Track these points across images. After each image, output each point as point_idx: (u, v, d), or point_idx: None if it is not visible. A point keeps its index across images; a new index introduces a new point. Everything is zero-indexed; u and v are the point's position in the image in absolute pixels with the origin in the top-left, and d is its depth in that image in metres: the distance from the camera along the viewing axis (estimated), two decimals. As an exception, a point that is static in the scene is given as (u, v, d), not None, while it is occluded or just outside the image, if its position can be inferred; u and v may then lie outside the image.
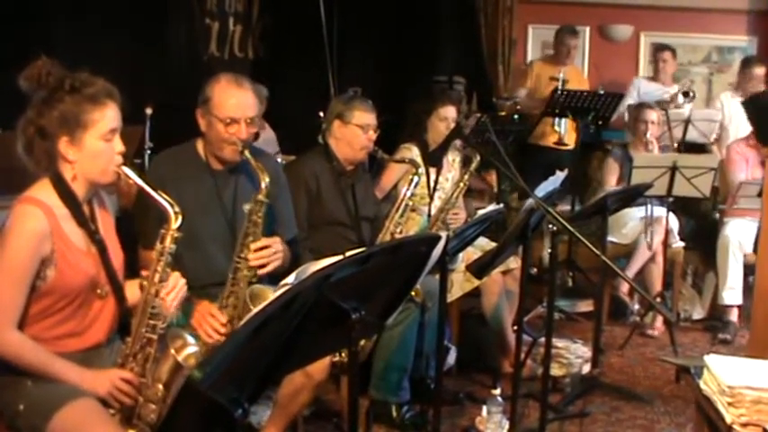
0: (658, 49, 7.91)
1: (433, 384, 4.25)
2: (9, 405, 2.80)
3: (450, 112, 5.25)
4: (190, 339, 2.87)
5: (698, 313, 6.50)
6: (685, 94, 7.22)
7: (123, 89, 2.89)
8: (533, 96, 7.56)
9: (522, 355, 4.42)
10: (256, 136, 4.10)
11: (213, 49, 7.96)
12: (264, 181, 3.42)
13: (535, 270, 6.55)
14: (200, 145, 3.69)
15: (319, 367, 3.53)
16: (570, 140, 7.18)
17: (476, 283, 4.79)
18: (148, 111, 5.69)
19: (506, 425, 4.12)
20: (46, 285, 2.79)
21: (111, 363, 2.91)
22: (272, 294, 3.08)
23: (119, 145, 2.85)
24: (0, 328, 2.73)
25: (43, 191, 2.82)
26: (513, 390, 4.10)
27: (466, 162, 5.23)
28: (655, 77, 7.77)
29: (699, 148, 7.23)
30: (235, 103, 3.52)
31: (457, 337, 5.14)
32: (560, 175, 4.37)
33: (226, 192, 3.66)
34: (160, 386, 2.82)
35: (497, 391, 4.18)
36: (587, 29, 9.02)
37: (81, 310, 2.89)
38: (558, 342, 5.21)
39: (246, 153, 3.48)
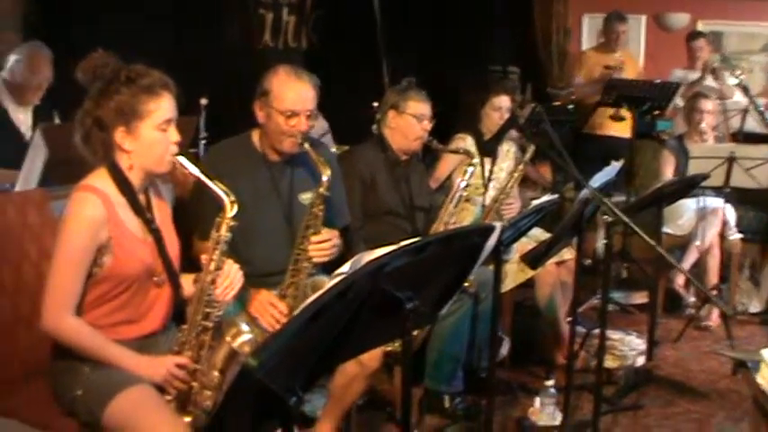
0: (692, 37, 7.77)
1: (485, 375, 4.25)
2: (67, 390, 2.85)
3: (504, 101, 5.22)
4: (244, 327, 2.89)
5: (755, 306, 6.39)
6: (713, 72, 7.10)
7: (178, 80, 2.91)
8: (590, 80, 7.44)
9: (576, 347, 4.40)
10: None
11: (267, 40, 8.00)
12: (326, 174, 3.44)
13: (589, 261, 6.48)
14: (255, 136, 3.71)
15: (372, 356, 3.55)
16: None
17: (530, 273, 4.76)
18: (203, 101, 5.73)
19: (559, 416, 4.11)
20: (103, 272, 2.83)
21: (167, 350, 2.94)
22: (330, 283, 3.12)
23: (174, 135, 2.87)
24: (58, 314, 2.78)
25: (100, 179, 2.86)
26: (566, 381, 4.08)
27: (520, 152, 5.20)
28: (691, 66, 7.64)
29: (759, 138, 7.10)
30: (294, 95, 3.53)
31: (510, 327, 5.11)
32: (615, 166, 4.34)
33: (282, 183, 3.68)
34: (216, 373, 2.85)
35: (550, 383, 4.17)
36: (643, 17, 8.92)
37: (137, 298, 2.92)
38: (612, 334, 5.18)
39: (306, 145, 3.50)
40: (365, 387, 3.76)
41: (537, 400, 4.22)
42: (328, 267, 3.56)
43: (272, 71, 3.60)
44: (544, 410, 4.17)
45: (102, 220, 2.80)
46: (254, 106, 3.63)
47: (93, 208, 2.78)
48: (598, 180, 3.96)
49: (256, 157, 3.69)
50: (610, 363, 4.91)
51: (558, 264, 4.98)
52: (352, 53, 7.78)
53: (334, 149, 4.61)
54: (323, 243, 3.51)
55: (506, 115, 5.15)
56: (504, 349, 4.89)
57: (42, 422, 2.55)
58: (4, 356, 3.13)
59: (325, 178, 3.45)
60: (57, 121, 5.33)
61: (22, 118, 5.27)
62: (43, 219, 3.35)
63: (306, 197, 3.62)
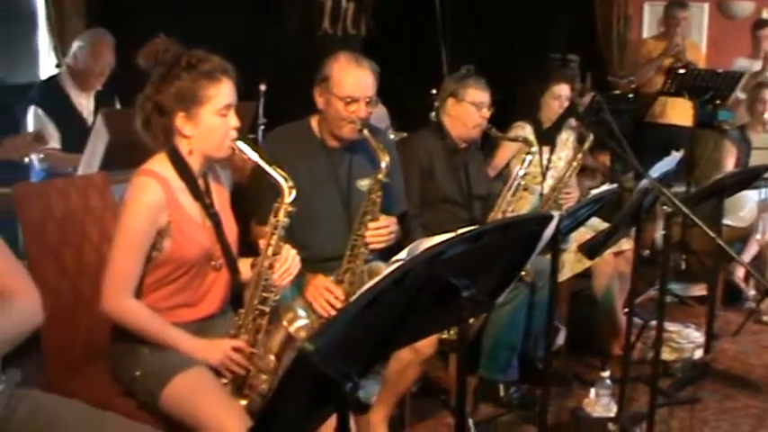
0: (757, 25, 7.61)
1: (541, 364, 4.23)
2: (126, 371, 2.89)
3: (563, 90, 5.18)
4: (301, 312, 2.91)
5: (817, 301, 6.29)
6: None
7: (238, 66, 2.93)
8: (651, 66, 7.31)
9: (633, 338, 4.36)
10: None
11: (326, 26, 8.02)
12: (385, 161, 3.45)
13: (648, 252, 6.42)
14: (314, 122, 3.73)
15: (427, 343, 3.55)
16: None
17: (587, 263, 4.73)
18: (262, 87, 5.76)
19: (614, 408, 4.07)
20: (162, 256, 2.86)
21: (224, 334, 2.97)
22: (387, 270, 3.12)
23: (233, 120, 2.89)
24: (118, 296, 2.82)
25: (160, 164, 2.89)
26: (622, 373, 4.05)
27: (579, 141, 5.16)
28: (755, 55, 7.50)
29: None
30: (354, 82, 3.55)
31: (566, 317, 5.08)
32: (676, 156, 4.28)
33: (340, 169, 3.70)
34: (272, 357, 2.87)
35: (606, 374, 4.13)
36: (706, 5, 8.78)
37: (195, 282, 2.95)
38: (669, 326, 5.13)
39: (365, 132, 3.50)
40: (420, 374, 3.78)
41: (592, 391, 4.18)
42: (385, 254, 3.58)
43: (333, 57, 3.62)
44: (599, 401, 4.13)
45: (162, 205, 2.83)
46: (313, 92, 3.64)
47: (153, 192, 2.82)
48: (658, 170, 3.91)
49: (315, 143, 3.71)
50: (667, 355, 4.86)
51: (617, 254, 4.93)
52: (411, 40, 7.76)
53: (392, 136, 4.61)
54: (380, 229, 3.52)
55: (566, 104, 5.11)
56: (561, 339, 4.87)
57: (103, 402, 2.58)
58: (66, 338, 3.19)
59: (383, 165, 3.46)
60: (118, 106, 5.41)
61: (85, 103, 5.35)
62: (104, 202, 3.40)
63: (364, 183, 3.62)
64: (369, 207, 3.50)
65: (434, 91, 4.84)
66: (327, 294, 3.43)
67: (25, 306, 2.32)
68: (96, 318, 2.99)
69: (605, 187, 4.03)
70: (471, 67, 4.52)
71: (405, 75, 6.77)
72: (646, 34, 8.67)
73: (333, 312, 3.38)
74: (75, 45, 5.34)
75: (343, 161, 3.71)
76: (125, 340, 2.90)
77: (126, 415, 2.50)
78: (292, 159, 3.50)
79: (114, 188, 3.44)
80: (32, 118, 5.10)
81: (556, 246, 3.52)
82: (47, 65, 6.37)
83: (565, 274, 4.70)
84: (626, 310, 4.60)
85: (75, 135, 5.06)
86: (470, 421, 3.94)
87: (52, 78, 5.49)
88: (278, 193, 2.89)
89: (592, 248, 3.93)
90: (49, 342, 3.10)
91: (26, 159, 4.59)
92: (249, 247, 3.15)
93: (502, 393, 4.36)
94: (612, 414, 4.07)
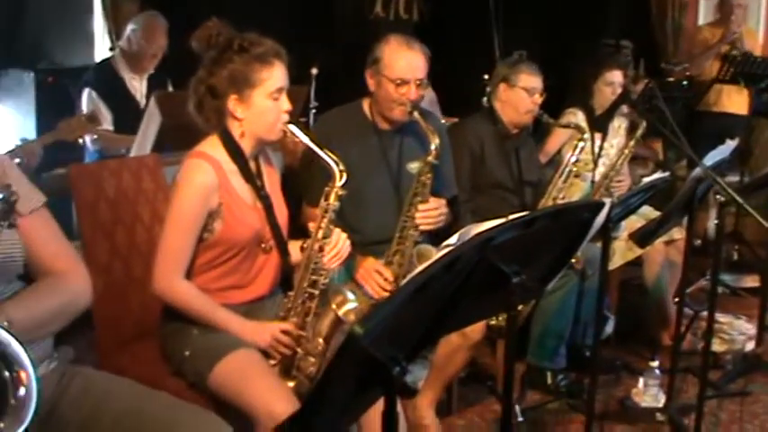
0: None
1: (589, 353, 4.21)
2: (176, 351, 2.92)
3: (616, 76, 5.13)
4: (350, 296, 2.91)
5: None
6: None
7: (290, 49, 2.94)
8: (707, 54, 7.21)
9: (683, 329, 4.32)
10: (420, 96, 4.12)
11: (379, 10, 8.01)
12: (435, 143, 3.47)
13: (699, 241, 6.35)
14: (366, 105, 3.74)
15: (475, 328, 3.56)
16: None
17: (638, 252, 4.69)
18: (314, 71, 5.77)
19: (663, 398, 4.05)
20: (213, 237, 2.88)
21: (273, 316, 2.99)
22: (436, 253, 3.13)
23: (285, 103, 2.90)
24: (169, 277, 2.85)
25: (212, 146, 2.91)
26: (671, 363, 4.02)
27: (632, 128, 5.11)
28: None
29: None
30: (405, 64, 3.56)
31: (616, 306, 5.05)
32: (730, 144, 4.22)
33: (391, 151, 3.71)
34: (320, 340, 2.88)
35: (655, 364, 4.11)
36: (765, -9, 8.62)
37: (245, 263, 2.97)
38: (720, 317, 5.07)
39: (416, 114, 3.51)
40: (467, 359, 3.78)
41: (641, 381, 4.16)
42: (434, 237, 3.58)
43: (384, 40, 3.64)
44: (648, 391, 4.11)
45: (213, 187, 2.85)
46: (365, 74, 3.65)
47: (205, 174, 2.84)
48: (711, 158, 3.86)
49: (366, 126, 3.72)
50: (717, 346, 4.80)
51: (668, 243, 4.89)
52: (464, 25, 7.73)
53: (443, 121, 4.60)
54: (430, 211, 3.53)
55: (618, 90, 5.07)
56: (610, 327, 4.84)
57: (153, 380, 2.61)
58: (118, 316, 3.23)
59: (433, 147, 3.48)
60: (170, 88, 5.45)
61: (138, 86, 5.40)
62: (156, 184, 3.43)
63: (414, 166, 3.63)
64: (419, 189, 3.52)
65: (486, 76, 4.81)
66: (378, 276, 3.45)
67: (77, 287, 2.36)
68: (147, 297, 3.02)
69: (657, 175, 3.99)
70: (524, 53, 4.51)
71: (457, 60, 6.76)
72: (701, 21, 8.55)
73: (383, 294, 3.40)
74: (129, 28, 5.39)
75: (393, 143, 3.73)
76: (175, 320, 2.93)
77: (175, 394, 2.53)
78: (343, 142, 3.53)
79: (166, 170, 3.48)
80: (86, 100, 5.17)
81: (607, 234, 3.50)
82: (101, 48, 6.44)
83: (615, 263, 4.67)
84: (676, 299, 4.55)
85: (127, 117, 5.12)
86: (517, 408, 3.93)
87: (106, 61, 5.55)
88: (329, 176, 2.90)
89: (643, 237, 3.90)
90: (101, 320, 3.15)
91: (80, 141, 4.64)
92: (300, 230, 3.16)
93: (549, 381, 4.34)
94: (661, 404, 4.05)
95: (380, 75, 3.59)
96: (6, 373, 1.86)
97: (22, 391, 1.86)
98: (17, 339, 1.87)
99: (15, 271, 2.28)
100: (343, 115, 3.80)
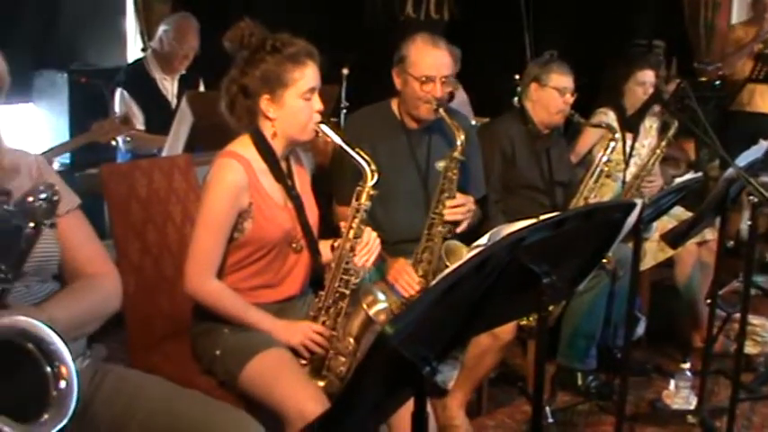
0: None
1: (620, 354, 4.19)
2: (207, 350, 2.94)
3: (648, 76, 5.10)
4: (380, 296, 2.91)
5: None
6: None
7: (321, 49, 2.94)
8: (741, 53, 7.14)
9: (715, 330, 4.28)
10: (450, 96, 4.13)
11: (409, 11, 8.02)
12: (460, 138, 3.49)
13: (732, 243, 6.31)
14: (394, 104, 3.76)
15: (506, 328, 3.56)
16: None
17: (669, 253, 4.66)
18: (345, 71, 5.78)
19: (694, 401, 4.03)
20: (243, 237, 2.89)
21: (304, 315, 3.00)
22: (466, 251, 3.13)
23: (317, 103, 2.91)
24: (200, 276, 2.86)
25: (243, 146, 2.92)
26: (703, 365, 4.00)
27: (663, 128, 5.08)
28: None
29: None
30: (430, 61, 3.58)
31: (647, 307, 5.01)
32: (763, 144, 4.18)
33: (419, 150, 3.72)
34: (351, 339, 2.89)
35: (687, 366, 4.09)
36: (799, -11, 8.52)
37: (276, 263, 2.98)
38: (753, 319, 5.01)
39: (441, 111, 3.52)
40: (498, 359, 3.78)
41: (672, 383, 4.14)
42: (463, 238, 3.58)
43: (410, 38, 3.68)
44: (679, 393, 4.09)
45: (244, 186, 2.86)
46: (392, 73, 3.67)
47: (235, 174, 2.85)
48: (744, 159, 3.83)
49: (395, 125, 3.74)
50: (750, 349, 4.76)
51: (700, 244, 4.86)
52: (495, 25, 7.71)
53: (473, 122, 4.60)
54: (458, 207, 3.53)
55: (650, 90, 5.04)
56: (641, 329, 4.82)
57: (183, 379, 2.62)
58: (149, 315, 3.25)
59: (459, 142, 3.49)
60: (202, 89, 5.48)
61: (169, 86, 5.44)
62: (188, 183, 3.45)
63: (442, 165, 3.64)
64: (445, 185, 3.54)
65: (517, 76, 4.80)
66: (408, 277, 3.45)
67: (110, 289, 2.40)
68: (178, 296, 3.04)
69: (689, 176, 3.97)
70: (555, 52, 4.47)
71: (488, 60, 6.74)
72: (735, 20, 8.47)
73: (412, 293, 3.42)
74: (161, 29, 5.43)
75: (422, 142, 3.74)
76: (206, 320, 2.94)
77: (206, 393, 2.53)
78: (372, 140, 3.56)
79: (198, 170, 3.50)
80: (119, 100, 5.21)
81: (638, 234, 3.48)
82: (133, 49, 6.48)
83: (647, 263, 4.65)
84: (708, 301, 4.52)
85: (159, 117, 5.15)
86: (547, 409, 3.92)
87: (138, 62, 5.59)
88: (359, 176, 2.91)
89: (675, 238, 3.88)
90: (133, 319, 3.17)
91: (112, 142, 4.68)
92: (331, 230, 3.17)
93: (580, 382, 4.33)
94: (692, 407, 4.02)
95: (406, 73, 3.62)
96: (48, 368, 1.90)
97: (62, 383, 1.91)
98: (60, 337, 1.90)
99: (51, 271, 2.31)
100: (372, 114, 3.82)
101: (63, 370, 1.90)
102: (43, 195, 1.96)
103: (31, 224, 1.94)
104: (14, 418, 1.81)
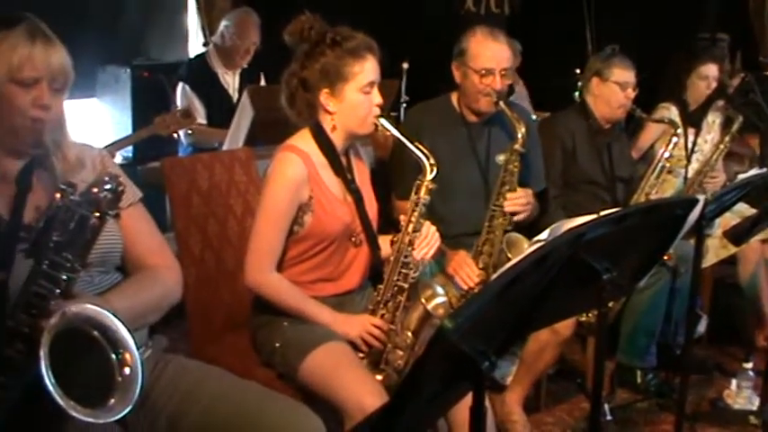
0: None
1: (681, 352, 4.14)
2: (266, 343, 2.96)
3: (711, 70, 5.03)
4: (439, 290, 2.92)
5: None
6: None
7: (381, 43, 2.94)
8: None
9: (779, 330, 4.23)
10: (510, 90, 4.12)
11: (470, 5, 7.99)
12: (521, 131, 3.49)
13: (797, 240, 6.20)
14: (454, 98, 3.76)
15: (565, 324, 3.55)
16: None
17: (732, 250, 4.59)
18: (405, 65, 5.78)
19: (756, 401, 3.97)
20: (303, 231, 2.91)
21: (362, 309, 3.01)
22: (527, 243, 3.12)
23: (377, 97, 2.91)
24: (261, 269, 2.89)
25: (303, 140, 2.93)
26: (766, 365, 3.94)
27: (727, 123, 5.01)
28: None
29: None
30: (490, 54, 3.59)
31: (709, 305, 4.95)
32: (832, 141, 4.12)
33: (480, 143, 3.72)
34: (409, 333, 2.89)
35: (749, 365, 4.04)
36: None
37: (336, 256, 2.99)
38: (819, 319, 4.94)
39: (501, 104, 3.52)
40: (557, 355, 3.76)
41: (733, 383, 4.09)
42: (523, 231, 3.57)
43: (470, 31, 3.69)
44: (740, 393, 4.04)
45: (304, 180, 2.87)
46: (452, 67, 3.67)
47: (296, 168, 2.86)
48: (811, 155, 3.78)
49: (455, 118, 3.74)
50: (815, 348, 4.69)
51: (764, 241, 4.78)
52: (556, 19, 7.66)
53: (534, 117, 4.58)
54: (518, 199, 3.53)
55: (713, 85, 4.98)
56: (702, 327, 4.76)
57: (243, 370, 2.65)
58: (210, 306, 3.29)
59: (519, 135, 3.49)
60: (263, 83, 5.52)
61: (230, 80, 5.48)
62: (248, 177, 3.48)
63: (502, 158, 3.63)
64: (506, 177, 3.54)
65: (579, 70, 4.77)
66: (468, 269, 3.45)
67: (171, 281, 2.43)
68: (238, 288, 3.07)
69: (754, 172, 3.90)
70: (617, 47, 4.43)
71: (549, 54, 6.70)
72: (801, 13, 8.33)
73: (472, 285, 3.44)
74: (222, 24, 5.48)
75: (482, 136, 3.74)
76: (266, 312, 2.96)
77: (265, 384, 2.55)
78: (433, 134, 3.57)
79: (258, 163, 3.53)
80: (180, 94, 5.27)
81: (700, 231, 3.43)
82: (195, 44, 6.55)
83: (709, 261, 4.59)
84: (772, 300, 4.47)
85: (220, 111, 5.21)
86: (606, 406, 3.89)
87: (200, 57, 5.65)
88: (419, 169, 2.91)
89: (738, 235, 3.82)
90: (193, 311, 3.21)
91: (174, 135, 4.74)
92: (390, 224, 3.17)
93: (639, 380, 4.30)
94: (754, 407, 3.97)
95: (466, 66, 3.63)
96: (113, 355, 1.95)
97: (127, 370, 1.95)
98: (124, 325, 1.94)
99: (114, 262, 2.35)
100: (432, 108, 3.83)
101: (127, 357, 1.95)
102: (108, 186, 1.99)
103: (96, 214, 1.98)
104: (81, 403, 1.85)
